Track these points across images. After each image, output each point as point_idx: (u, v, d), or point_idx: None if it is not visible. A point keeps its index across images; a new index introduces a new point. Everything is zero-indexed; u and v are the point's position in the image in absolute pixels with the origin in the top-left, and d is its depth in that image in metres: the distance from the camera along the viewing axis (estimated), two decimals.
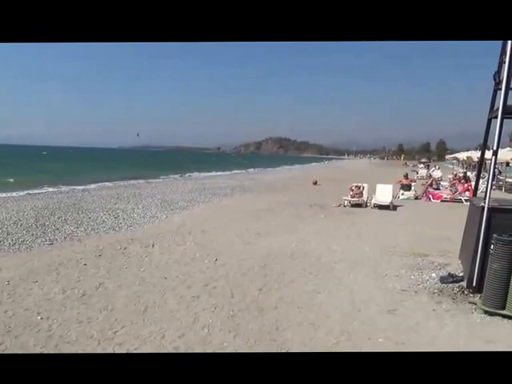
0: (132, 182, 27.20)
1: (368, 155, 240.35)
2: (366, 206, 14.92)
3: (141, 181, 27.92)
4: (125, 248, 8.24)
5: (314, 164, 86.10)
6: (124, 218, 11.73)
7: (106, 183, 25.27)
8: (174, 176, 34.89)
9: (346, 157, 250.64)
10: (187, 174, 37.42)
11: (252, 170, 51.04)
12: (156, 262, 7.29)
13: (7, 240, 8.79)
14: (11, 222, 10.78)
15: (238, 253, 8.01)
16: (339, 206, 14.91)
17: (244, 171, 47.38)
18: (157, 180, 29.73)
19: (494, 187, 23.12)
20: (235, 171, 45.80)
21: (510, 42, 5.71)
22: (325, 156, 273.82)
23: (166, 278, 6.46)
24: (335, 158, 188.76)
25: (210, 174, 40.33)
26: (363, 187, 15.44)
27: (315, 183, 25.23)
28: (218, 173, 41.90)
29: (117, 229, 10.34)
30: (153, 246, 8.48)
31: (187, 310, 5.24)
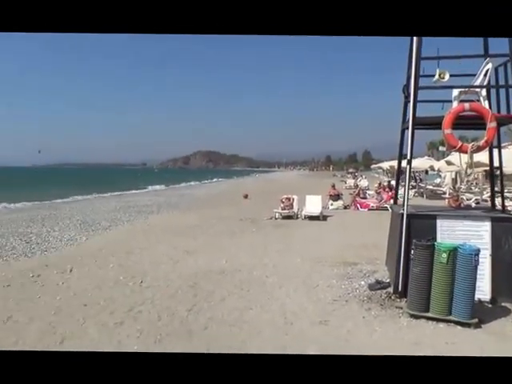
0: (47, 202, 25.18)
1: (298, 166, 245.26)
2: (297, 217, 15.11)
3: (57, 200, 26.14)
4: (38, 275, 7.50)
5: (244, 177, 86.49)
6: (38, 243, 10.76)
7: (17, 205, 23.06)
8: (96, 194, 32.67)
9: (276, 169, 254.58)
10: (109, 192, 34.89)
11: (179, 185, 49.80)
12: (74, 289, 6.70)
13: None
14: None
15: (165, 273, 7.62)
16: (271, 218, 14.94)
17: (171, 187, 46.18)
18: (76, 199, 28.01)
19: (416, 194, 24.95)
20: (162, 187, 44.48)
21: (414, 58, 6.07)
22: (255, 169, 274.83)
23: (85, 305, 5.94)
24: (266, 171, 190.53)
25: (135, 190, 38.53)
26: (293, 199, 15.65)
27: (246, 197, 25.19)
28: (144, 189, 40.48)
29: (29, 254, 9.44)
30: (70, 271, 7.82)
31: (109, 339, 4.82)
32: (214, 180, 68.38)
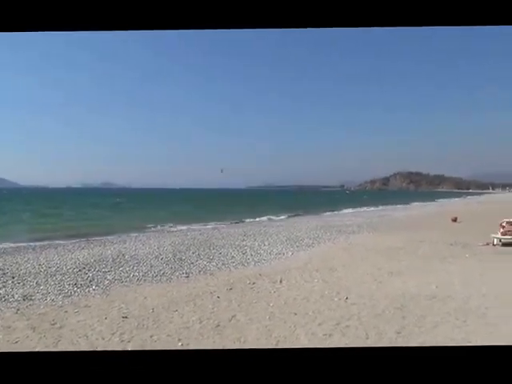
0: (257, 219, 28.42)
1: None
2: None
3: (264, 218, 28.90)
4: (253, 283, 8.36)
5: (451, 199, 78.83)
6: (251, 254, 12.06)
7: (233, 222, 26.51)
8: (298, 214, 34.90)
9: (490, 190, 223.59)
10: (309, 212, 36.89)
11: (379, 207, 48.48)
12: (284, 298, 7.21)
13: (151, 272, 9.66)
14: (153, 256, 11.89)
15: (369, 292, 7.51)
16: (487, 244, 13.31)
17: (371, 208, 45.47)
18: (280, 218, 30.21)
19: None
20: (361, 208, 44.22)
21: None
22: (464, 190, 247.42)
23: (295, 314, 6.32)
24: (477, 193, 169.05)
25: (333, 211, 39.46)
26: None
27: (455, 220, 23.00)
28: (343, 210, 40.93)
29: (245, 264, 10.63)
30: (280, 281, 8.45)
31: None
32: (416, 202, 64.27)
